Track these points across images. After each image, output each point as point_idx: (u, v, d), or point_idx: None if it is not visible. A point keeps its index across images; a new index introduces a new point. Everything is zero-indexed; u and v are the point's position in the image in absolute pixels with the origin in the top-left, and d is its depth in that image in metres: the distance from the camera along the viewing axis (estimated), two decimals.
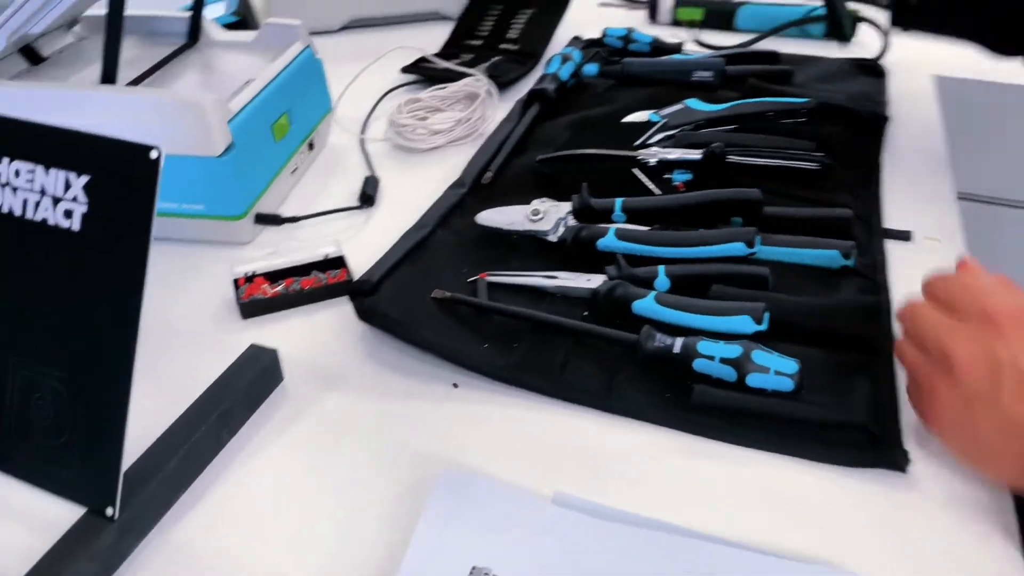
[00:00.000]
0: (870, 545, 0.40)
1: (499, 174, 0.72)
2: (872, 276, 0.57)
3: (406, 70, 0.93)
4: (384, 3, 1.06)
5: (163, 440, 0.45)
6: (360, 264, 0.60)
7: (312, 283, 0.60)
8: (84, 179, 0.39)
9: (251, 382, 0.50)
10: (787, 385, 0.47)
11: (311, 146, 0.77)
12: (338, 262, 0.62)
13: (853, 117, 0.74)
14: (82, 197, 0.39)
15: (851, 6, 0.99)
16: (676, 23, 1.07)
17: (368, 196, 0.71)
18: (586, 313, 0.55)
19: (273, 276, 0.60)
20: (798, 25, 0.99)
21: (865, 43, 0.98)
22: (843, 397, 0.47)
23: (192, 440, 0.45)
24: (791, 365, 0.47)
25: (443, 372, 0.53)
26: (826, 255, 0.56)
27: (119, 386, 0.39)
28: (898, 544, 0.40)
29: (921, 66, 0.91)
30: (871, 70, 0.88)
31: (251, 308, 0.58)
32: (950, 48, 0.95)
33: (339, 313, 0.59)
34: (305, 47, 0.74)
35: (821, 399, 0.47)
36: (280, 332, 0.57)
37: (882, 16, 0.97)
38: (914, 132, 0.78)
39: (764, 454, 0.45)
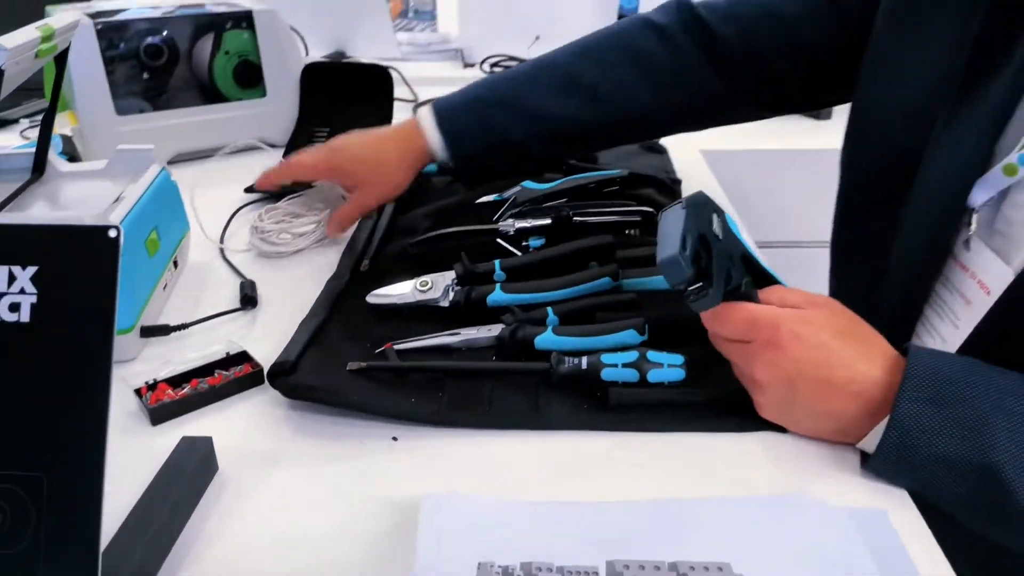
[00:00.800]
0: (777, 486, 0.49)
1: (374, 262, 0.77)
2: None
3: (250, 190, 0.96)
4: (209, 136, 1.09)
5: (118, 540, 0.43)
6: (260, 361, 0.62)
7: (219, 380, 0.60)
8: (31, 270, 0.40)
9: (192, 473, 0.49)
10: (679, 375, 0.56)
11: (176, 264, 0.77)
12: (240, 357, 0.62)
13: (656, 182, 0.90)
14: (30, 288, 0.40)
15: None
16: None
17: (250, 298, 0.72)
18: (494, 357, 0.62)
19: (175, 381, 0.60)
20: None
21: None
22: (724, 378, 0.57)
23: (148, 536, 0.44)
24: (678, 358, 0.57)
25: (377, 431, 0.55)
26: None
27: (90, 486, 0.38)
28: (798, 480, 0.50)
29: (690, 143, 1.12)
30: (654, 149, 1.08)
31: (161, 413, 0.57)
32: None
33: (253, 403, 0.59)
34: (162, 169, 0.76)
35: (708, 383, 0.57)
36: (198, 432, 0.56)
37: None
38: (696, 188, 0.96)
39: (675, 434, 0.54)
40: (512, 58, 1.64)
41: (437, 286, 0.69)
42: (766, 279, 0.55)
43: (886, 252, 0.61)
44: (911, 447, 0.46)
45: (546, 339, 0.60)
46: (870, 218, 0.64)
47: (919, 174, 0.57)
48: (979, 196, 0.54)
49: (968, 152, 0.54)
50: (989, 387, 0.45)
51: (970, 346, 0.55)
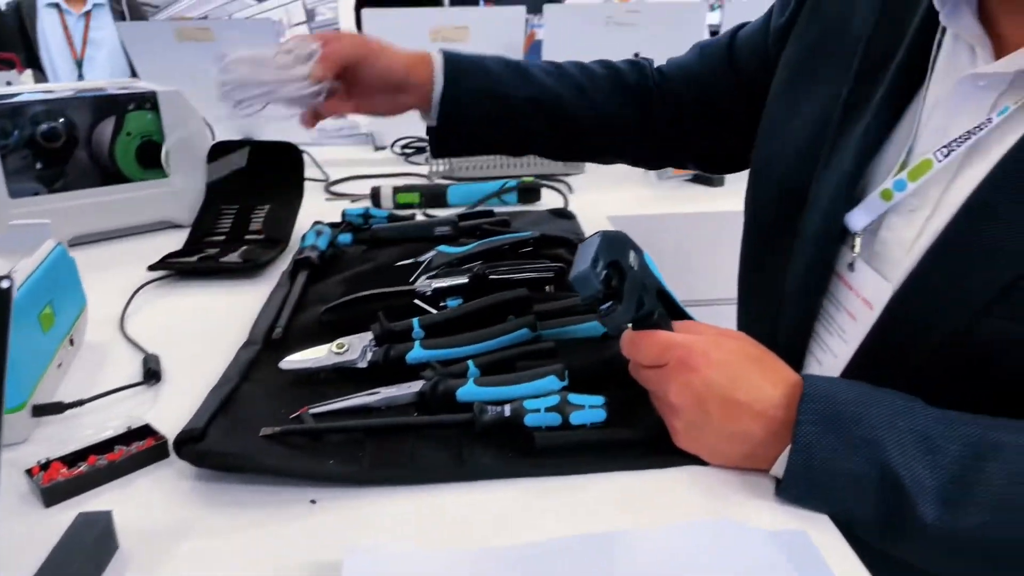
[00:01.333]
0: (702, 516, 0.50)
1: (287, 330, 0.75)
2: None
3: (153, 267, 0.93)
4: (110, 217, 1.06)
5: None
6: (165, 434, 0.58)
7: (120, 455, 0.56)
8: None
9: (89, 550, 0.45)
10: (601, 415, 0.56)
11: (72, 341, 0.73)
12: (143, 431, 0.59)
13: (567, 243, 0.93)
14: None
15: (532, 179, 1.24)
16: (398, 207, 1.23)
17: (153, 372, 0.69)
18: (416, 414, 0.60)
19: (70, 459, 0.56)
20: (497, 196, 1.21)
21: (549, 201, 1.23)
22: (645, 418, 0.58)
23: None
24: (599, 399, 0.57)
25: (295, 495, 0.53)
26: (589, 327, 0.70)
27: None
28: (722, 509, 0.50)
29: (597, 208, 1.17)
30: (564, 215, 1.11)
31: (55, 493, 0.53)
32: (614, 195, 1.22)
33: (159, 477, 0.56)
34: (58, 243, 0.72)
35: (629, 423, 0.57)
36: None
37: (561, 186, 1.23)
38: None
39: (600, 474, 0.53)
40: (421, 139, 1.67)
41: (354, 348, 0.67)
42: (680, 316, 0.58)
43: (783, 281, 0.65)
44: (816, 468, 0.47)
45: (468, 391, 0.60)
46: (768, 253, 0.69)
47: (806, 207, 0.63)
48: (860, 221, 0.59)
49: (844, 184, 0.60)
50: (880, 407, 0.48)
51: (859, 358, 0.58)
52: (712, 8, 3.27)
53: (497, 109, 0.81)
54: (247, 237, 1.02)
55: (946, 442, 0.46)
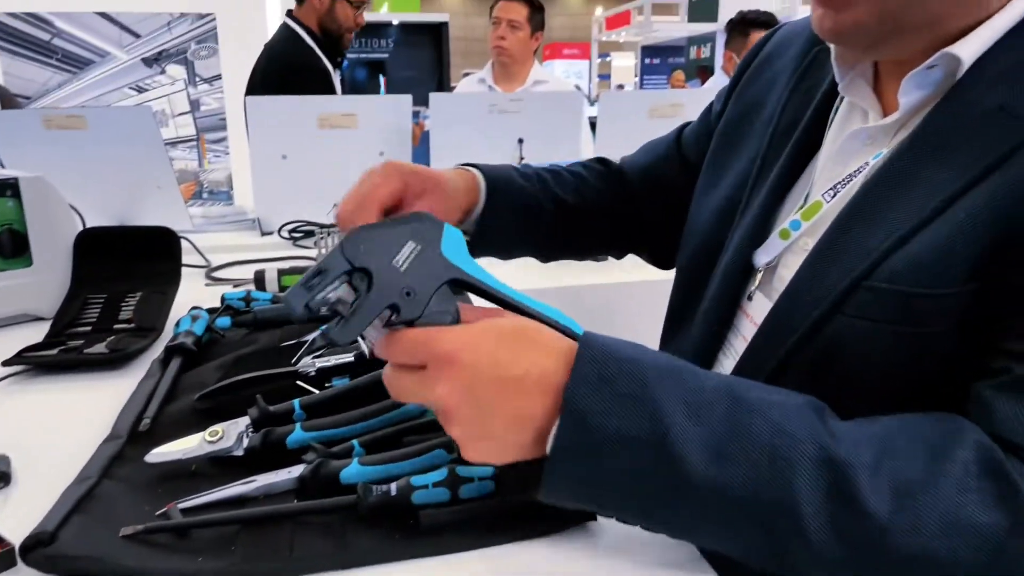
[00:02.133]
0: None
1: (156, 421, 0.70)
2: None
3: (8, 363, 0.85)
4: None
5: None
6: (11, 540, 0.52)
7: None
8: None
9: None
10: (490, 487, 0.55)
11: None
12: None
13: None
14: None
15: None
16: (283, 291, 1.19)
17: (2, 474, 0.62)
18: (296, 500, 0.57)
19: None
20: None
21: None
22: (536, 485, 0.57)
23: None
24: (488, 470, 0.56)
25: None
26: None
27: None
28: (614, 567, 0.49)
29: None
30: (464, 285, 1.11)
31: None
32: (512, 265, 1.23)
33: None
34: None
35: (520, 492, 0.56)
36: None
37: None
38: None
39: (490, 548, 0.52)
40: (309, 222, 1.66)
41: (229, 434, 0.64)
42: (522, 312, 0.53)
43: (696, 321, 0.71)
44: (586, 428, 0.45)
45: (352, 471, 0.57)
46: (689, 300, 0.75)
47: (723, 252, 0.70)
48: (762, 258, 0.66)
49: (753, 225, 0.68)
50: (656, 364, 0.48)
51: (737, 367, 0.63)
52: (591, 103, 3.48)
53: (526, 218, 0.82)
54: (116, 327, 0.96)
55: (714, 396, 0.47)
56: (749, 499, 0.45)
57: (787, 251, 0.65)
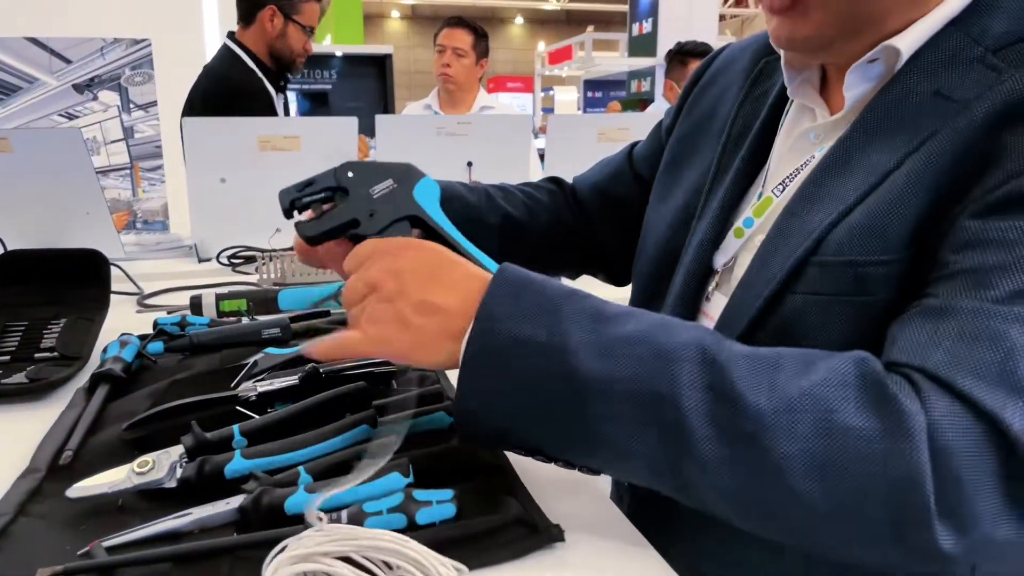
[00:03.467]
0: None
1: (79, 453, 0.64)
2: None
3: None
4: None
5: None
6: None
7: None
8: None
9: None
10: (450, 511, 0.51)
11: None
12: None
13: None
14: None
15: None
16: (222, 315, 1.13)
17: None
18: (235, 534, 0.52)
19: None
20: (334, 298, 1.15)
21: None
22: (496, 508, 0.53)
23: None
24: (447, 493, 0.52)
25: None
26: (435, 419, 0.65)
27: None
28: None
29: None
30: None
31: None
32: None
33: None
34: None
35: (482, 515, 0.52)
36: None
37: None
38: None
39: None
40: (249, 248, 1.59)
41: (160, 465, 0.58)
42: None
43: None
44: (493, 333, 0.50)
45: (298, 500, 0.52)
46: (650, 303, 0.75)
47: (682, 257, 0.70)
48: (720, 259, 0.67)
49: (711, 227, 0.68)
50: (564, 287, 0.53)
51: None
52: (535, 135, 3.51)
53: (469, 232, 0.80)
54: (38, 356, 0.89)
55: (615, 311, 0.52)
56: (635, 392, 0.47)
57: (742, 249, 0.65)
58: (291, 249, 1.55)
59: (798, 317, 0.56)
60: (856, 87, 0.59)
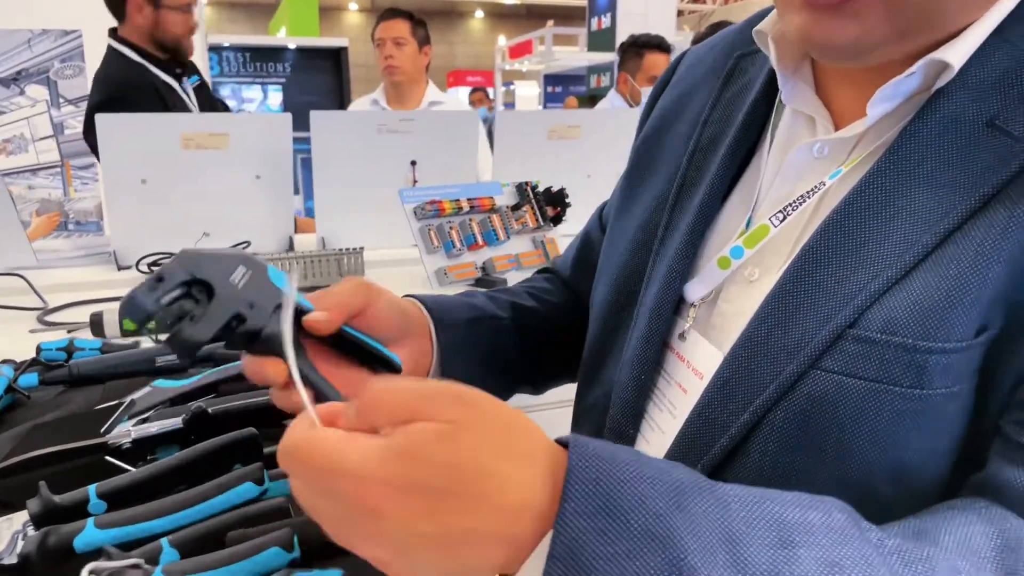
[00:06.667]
0: None
1: None
2: None
3: None
4: None
5: None
6: None
7: None
8: None
9: None
10: None
11: None
12: None
13: None
14: None
15: None
16: (127, 334, 1.03)
17: None
18: None
19: None
20: None
21: None
22: None
23: None
24: (335, 573, 0.43)
25: None
26: None
27: None
28: None
29: None
30: None
31: None
32: None
33: None
34: None
35: None
36: None
37: None
38: None
39: None
40: (172, 254, 1.47)
41: (0, 536, 0.48)
42: (357, 349, 0.52)
43: (617, 367, 0.60)
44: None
45: None
46: (607, 340, 0.64)
47: (644, 285, 0.60)
48: (697, 291, 0.56)
49: (681, 255, 0.57)
50: (666, 480, 0.35)
51: (684, 429, 0.52)
52: (486, 120, 3.42)
53: (479, 330, 0.69)
54: None
55: (749, 527, 0.35)
56: None
57: (729, 282, 0.55)
58: None
59: (828, 402, 0.45)
60: (884, 103, 0.48)
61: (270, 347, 0.46)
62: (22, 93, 3.05)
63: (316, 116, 1.55)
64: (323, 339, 0.50)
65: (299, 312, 0.49)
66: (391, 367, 0.55)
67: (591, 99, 7.92)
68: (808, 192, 0.51)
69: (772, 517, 0.36)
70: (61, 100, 3.03)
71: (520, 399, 0.77)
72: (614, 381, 0.60)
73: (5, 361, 0.81)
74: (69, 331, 1.06)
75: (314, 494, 0.35)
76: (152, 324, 0.43)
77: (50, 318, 1.14)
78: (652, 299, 0.58)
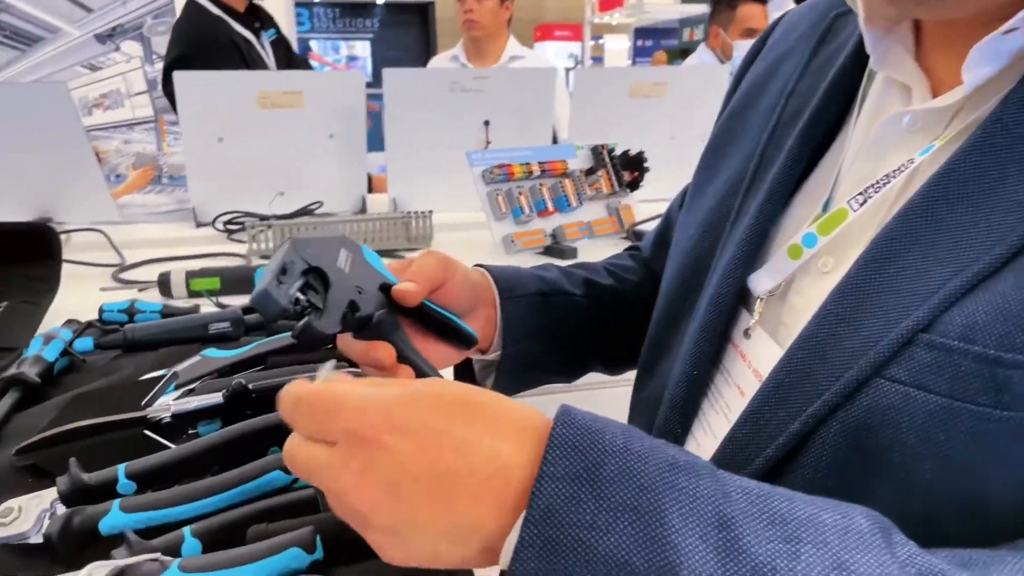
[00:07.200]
0: None
1: None
2: None
3: None
4: None
5: None
6: None
7: None
8: None
9: None
10: None
11: None
12: None
13: None
14: None
15: None
16: (194, 295, 1.03)
17: None
18: None
19: None
20: None
21: None
22: None
23: None
24: None
25: None
26: None
27: None
28: None
29: None
30: None
31: None
32: None
33: None
34: None
35: None
36: None
37: None
38: None
39: None
40: (248, 214, 1.49)
41: (28, 513, 0.47)
42: (439, 324, 0.55)
43: (677, 359, 0.55)
44: (560, 547, 0.31)
45: None
46: (669, 329, 0.60)
47: (710, 274, 0.55)
48: (764, 283, 0.50)
49: (747, 241, 0.52)
50: (657, 456, 0.33)
51: (730, 435, 0.46)
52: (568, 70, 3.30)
53: (558, 310, 0.69)
54: None
55: (750, 517, 0.33)
56: None
57: (801, 273, 0.48)
58: (288, 217, 1.44)
59: (891, 417, 0.38)
60: (980, 67, 0.41)
61: (380, 332, 0.49)
62: (117, 49, 3.13)
63: (389, 74, 1.52)
64: (406, 312, 0.52)
65: (386, 286, 0.51)
66: (467, 340, 0.57)
67: (682, 53, 7.60)
68: (894, 171, 0.44)
69: (778, 511, 0.33)
70: (154, 56, 3.09)
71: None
72: (669, 374, 0.55)
73: (69, 321, 0.82)
74: (140, 289, 1.08)
75: (311, 444, 0.36)
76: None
77: (124, 275, 1.16)
78: (713, 290, 0.52)
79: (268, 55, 2.12)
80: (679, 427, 0.54)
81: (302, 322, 0.43)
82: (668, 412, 0.54)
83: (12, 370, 0.68)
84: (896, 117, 0.45)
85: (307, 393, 0.37)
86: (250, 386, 0.60)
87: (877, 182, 0.44)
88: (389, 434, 0.34)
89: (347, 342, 0.51)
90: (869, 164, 0.47)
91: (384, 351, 0.49)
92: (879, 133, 0.47)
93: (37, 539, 0.47)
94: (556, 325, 0.68)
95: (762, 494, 0.34)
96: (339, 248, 0.49)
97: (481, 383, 0.67)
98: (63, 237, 1.33)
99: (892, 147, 0.46)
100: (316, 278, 0.46)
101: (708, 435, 0.52)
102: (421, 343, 0.54)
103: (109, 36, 3.16)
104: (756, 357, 0.49)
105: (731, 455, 0.45)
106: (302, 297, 0.44)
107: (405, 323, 0.52)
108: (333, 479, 0.35)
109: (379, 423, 0.34)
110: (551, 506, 0.32)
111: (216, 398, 0.59)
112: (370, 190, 1.78)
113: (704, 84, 1.73)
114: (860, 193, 0.45)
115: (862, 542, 0.32)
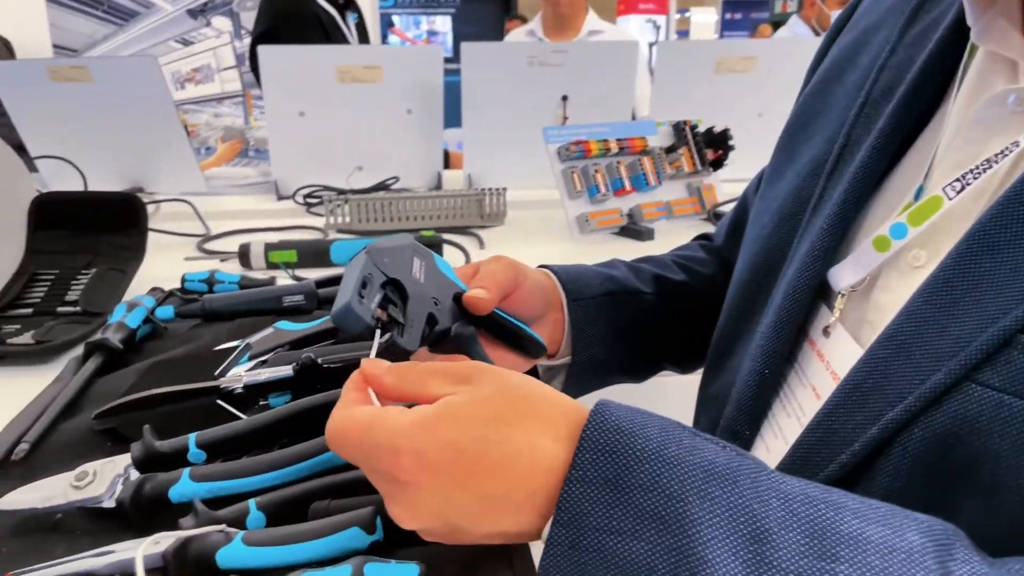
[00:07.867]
0: None
1: (39, 445, 0.56)
2: None
3: None
4: None
5: None
6: None
7: None
8: None
9: None
10: None
11: None
12: None
13: None
14: None
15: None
16: (272, 267, 1.05)
17: None
18: None
19: None
20: None
21: (453, 259, 1.06)
22: None
23: None
24: (410, 570, 0.39)
25: None
26: None
27: None
28: None
29: None
30: None
31: None
32: (533, 250, 1.05)
33: None
34: None
35: None
36: None
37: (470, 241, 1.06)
38: None
39: None
40: (327, 188, 1.51)
41: (102, 478, 0.48)
42: (509, 332, 0.54)
43: (748, 354, 0.52)
44: (586, 547, 0.33)
45: (231, 554, 0.41)
46: (742, 321, 0.57)
47: (786, 265, 0.51)
48: (846, 277, 0.46)
49: (829, 230, 0.48)
50: (690, 466, 0.33)
51: (802, 439, 0.43)
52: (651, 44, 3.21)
53: (631, 302, 0.67)
54: (60, 310, 0.83)
55: (785, 528, 0.32)
56: None
57: (888, 267, 0.44)
58: (366, 192, 1.45)
59: (983, 425, 0.35)
60: None
61: (458, 345, 0.49)
62: (208, 24, 3.21)
63: (467, 48, 1.50)
64: (476, 321, 0.51)
65: (459, 295, 0.51)
66: (537, 348, 0.56)
67: (774, 26, 7.28)
68: (997, 155, 0.40)
69: (820, 523, 0.32)
70: (243, 31, 3.16)
71: None
72: (738, 372, 0.52)
73: (153, 289, 0.85)
74: (222, 259, 1.11)
75: (364, 470, 0.39)
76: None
77: (208, 246, 1.19)
78: (789, 282, 0.49)
79: (352, 34, 2.14)
80: (746, 428, 0.51)
81: (385, 338, 0.44)
82: (735, 412, 0.51)
83: (97, 335, 0.71)
84: (1000, 96, 0.41)
85: (339, 428, 0.38)
86: (319, 360, 0.60)
87: (977, 167, 0.40)
88: (424, 473, 0.35)
89: (423, 355, 0.50)
90: (969, 148, 0.42)
91: None
92: (981, 113, 0.42)
93: (110, 503, 0.48)
94: (626, 326, 0.65)
95: (807, 501, 0.32)
96: (412, 256, 0.49)
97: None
98: (152, 207, 1.38)
99: (995, 129, 0.41)
100: (394, 290, 0.46)
101: (778, 438, 0.49)
102: (490, 352, 0.53)
103: (201, 11, 3.25)
104: (835, 357, 0.46)
105: (801, 460, 0.42)
106: (383, 313, 0.44)
107: (477, 330, 0.52)
108: (392, 510, 0.38)
109: (413, 467, 0.35)
110: (578, 509, 0.33)
111: (287, 371, 0.60)
112: (447, 166, 1.77)
113: (796, 59, 1.63)
114: (957, 179, 0.41)
115: (909, 562, 0.30)
